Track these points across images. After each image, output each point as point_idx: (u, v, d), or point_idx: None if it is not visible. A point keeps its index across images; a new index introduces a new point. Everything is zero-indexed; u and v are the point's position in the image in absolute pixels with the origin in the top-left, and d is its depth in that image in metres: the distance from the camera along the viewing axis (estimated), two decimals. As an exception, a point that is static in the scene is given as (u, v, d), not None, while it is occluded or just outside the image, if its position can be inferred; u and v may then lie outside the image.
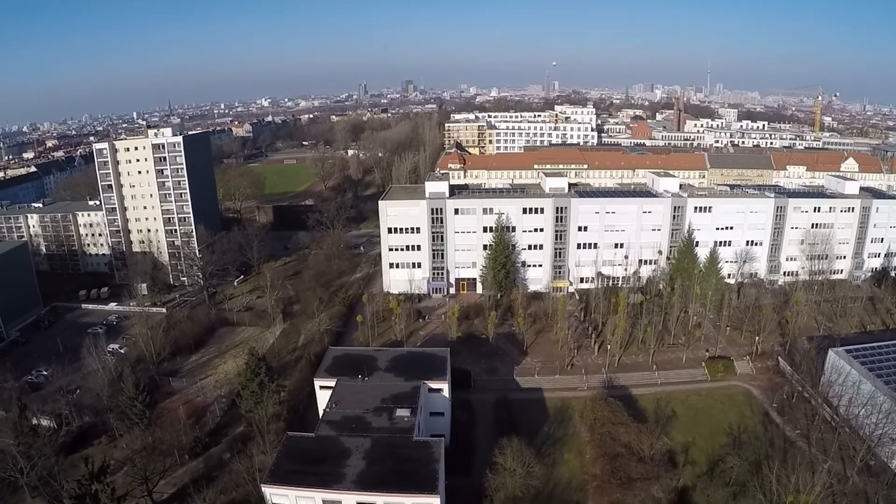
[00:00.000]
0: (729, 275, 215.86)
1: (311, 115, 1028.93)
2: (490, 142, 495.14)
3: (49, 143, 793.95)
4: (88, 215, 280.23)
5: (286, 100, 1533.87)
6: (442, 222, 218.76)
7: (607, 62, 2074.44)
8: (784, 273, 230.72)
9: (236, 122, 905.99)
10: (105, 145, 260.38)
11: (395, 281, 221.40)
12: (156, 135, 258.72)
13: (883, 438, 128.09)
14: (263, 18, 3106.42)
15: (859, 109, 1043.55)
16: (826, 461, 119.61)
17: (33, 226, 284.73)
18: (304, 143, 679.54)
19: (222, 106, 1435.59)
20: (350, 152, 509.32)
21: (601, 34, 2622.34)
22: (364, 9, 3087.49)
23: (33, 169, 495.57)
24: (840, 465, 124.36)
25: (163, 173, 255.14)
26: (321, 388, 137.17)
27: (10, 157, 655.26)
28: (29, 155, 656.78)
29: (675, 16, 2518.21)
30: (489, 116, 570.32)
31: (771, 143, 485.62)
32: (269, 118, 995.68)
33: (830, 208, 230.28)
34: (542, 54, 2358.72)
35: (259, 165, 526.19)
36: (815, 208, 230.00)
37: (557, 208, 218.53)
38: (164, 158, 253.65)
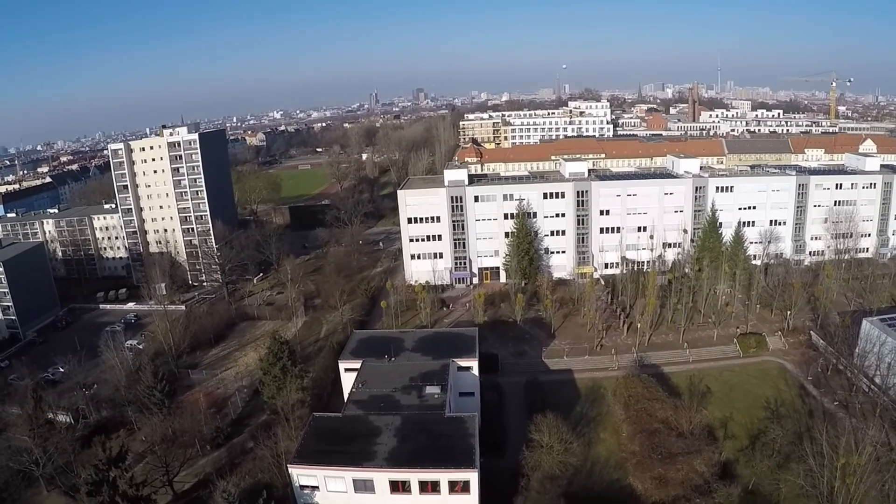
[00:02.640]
0: (755, 256, 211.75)
1: (324, 124, 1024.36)
2: (505, 138, 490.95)
3: (63, 159, 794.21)
4: (104, 218, 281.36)
5: (298, 111, 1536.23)
6: (462, 210, 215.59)
7: (617, 64, 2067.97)
8: (810, 253, 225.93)
9: (250, 132, 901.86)
10: (121, 146, 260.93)
11: (417, 272, 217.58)
12: (171, 134, 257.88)
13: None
14: (272, 32, 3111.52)
15: (872, 101, 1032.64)
16: (870, 427, 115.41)
17: (49, 231, 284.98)
18: (318, 149, 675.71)
19: (234, 119, 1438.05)
20: (365, 155, 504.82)
21: (609, 36, 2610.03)
22: (372, 19, 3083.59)
23: (48, 179, 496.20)
24: (883, 434, 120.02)
25: (179, 171, 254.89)
26: (346, 370, 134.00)
27: (25, 171, 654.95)
28: (44, 169, 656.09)
29: (682, 14, 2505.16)
30: (504, 115, 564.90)
31: (787, 130, 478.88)
32: (283, 128, 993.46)
33: (853, 185, 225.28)
34: (551, 58, 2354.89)
35: (274, 171, 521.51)
36: (837, 185, 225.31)
37: (578, 192, 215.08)
38: (180, 156, 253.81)
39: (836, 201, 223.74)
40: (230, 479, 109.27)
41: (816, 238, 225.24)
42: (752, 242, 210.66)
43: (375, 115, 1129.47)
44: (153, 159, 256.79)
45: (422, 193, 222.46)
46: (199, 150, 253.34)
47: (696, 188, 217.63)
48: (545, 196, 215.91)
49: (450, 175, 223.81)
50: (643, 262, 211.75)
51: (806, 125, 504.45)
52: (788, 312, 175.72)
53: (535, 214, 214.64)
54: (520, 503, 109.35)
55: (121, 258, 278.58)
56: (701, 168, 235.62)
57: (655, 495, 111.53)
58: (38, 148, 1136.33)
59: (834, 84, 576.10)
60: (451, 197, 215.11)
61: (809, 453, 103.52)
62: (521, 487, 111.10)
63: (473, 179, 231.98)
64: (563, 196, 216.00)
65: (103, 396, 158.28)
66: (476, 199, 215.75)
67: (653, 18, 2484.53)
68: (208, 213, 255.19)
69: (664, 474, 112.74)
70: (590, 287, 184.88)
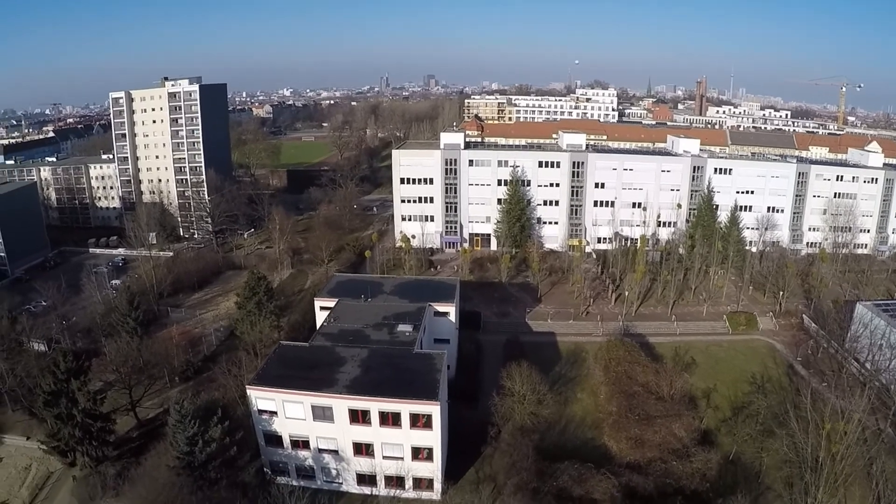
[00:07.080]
0: (751, 242, 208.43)
1: (332, 102, 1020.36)
2: (510, 118, 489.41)
3: (70, 120, 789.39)
4: (101, 167, 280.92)
5: (308, 90, 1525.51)
6: (456, 174, 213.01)
7: (629, 64, 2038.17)
8: (807, 243, 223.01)
9: (257, 104, 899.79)
10: (121, 94, 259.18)
11: (408, 234, 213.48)
12: (172, 85, 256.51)
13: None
14: (286, 13, 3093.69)
15: (882, 115, 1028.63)
16: (859, 406, 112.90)
17: (45, 178, 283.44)
18: (324, 124, 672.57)
19: (244, 94, 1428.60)
20: (368, 131, 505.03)
21: (623, 37, 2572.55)
22: (387, 3, 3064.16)
23: (51, 134, 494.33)
24: (872, 418, 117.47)
25: (177, 122, 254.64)
26: (321, 308, 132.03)
27: (31, 129, 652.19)
28: (49, 128, 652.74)
29: (699, 21, 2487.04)
30: (510, 98, 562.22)
31: (794, 130, 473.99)
32: (290, 102, 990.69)
33: (854, 178, 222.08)
34: (564, 54, 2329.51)
35: (277, 141, 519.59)
36: (837, 177, 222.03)
37: (574, 163, 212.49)
38: (180, 107, 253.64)
39: (836, 193, 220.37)
40: (188, 397, 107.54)
41: (814, 229, 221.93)
42: (748, 228, 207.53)
43: (384, 98, 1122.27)
44: (153, 109, 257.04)
45: (416, 154, 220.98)
46: (198, 102, 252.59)
47: (695, 167, 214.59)
48: (540, 164, 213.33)
49: (446, 138, 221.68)
50: (636, 239, 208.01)
51: (813, 127, 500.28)
52: (781, 293, 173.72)
53: (529, 183, 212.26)
54: (489, 453, 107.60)
55: (114, 208, 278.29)
56: (700, 150, 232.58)
57: (631, 456, 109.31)
58: (47, 112, 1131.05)
59: (843, 89, 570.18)
60: (446, 160, 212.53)
61: (793, 418, 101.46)
62: (491, 437, 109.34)
63: (470, 145, 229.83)
64: (558, 166, 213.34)
65: (80, 327, 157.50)
66: (471, 163, 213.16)
67: (668, 22, 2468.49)
68: (203, 164, 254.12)
69: (641, 435, 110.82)
70: (578, 255, 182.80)
